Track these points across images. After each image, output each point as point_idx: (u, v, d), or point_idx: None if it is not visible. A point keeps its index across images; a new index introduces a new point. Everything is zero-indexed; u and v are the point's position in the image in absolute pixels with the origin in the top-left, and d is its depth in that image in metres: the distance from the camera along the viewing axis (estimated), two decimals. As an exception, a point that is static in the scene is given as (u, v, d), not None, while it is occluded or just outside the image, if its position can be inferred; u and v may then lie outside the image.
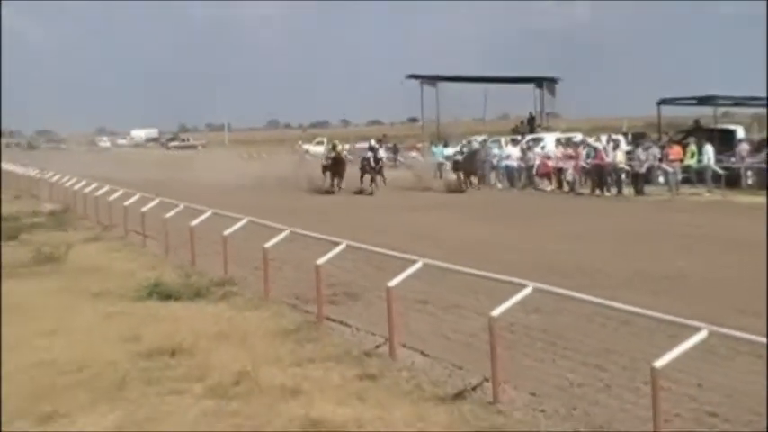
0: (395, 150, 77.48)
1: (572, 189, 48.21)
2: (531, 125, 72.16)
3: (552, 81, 75.94)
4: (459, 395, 11.94)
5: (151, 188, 35.14)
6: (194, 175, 56.63)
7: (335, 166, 51.90)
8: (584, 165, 48.74)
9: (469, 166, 51.84)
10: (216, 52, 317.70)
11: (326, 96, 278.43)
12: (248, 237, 21.11)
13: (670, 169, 45.40)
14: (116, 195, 34.46)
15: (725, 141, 51.63)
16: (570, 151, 50.32)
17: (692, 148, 48.26)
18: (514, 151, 55.59)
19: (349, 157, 58.59)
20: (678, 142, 50.19)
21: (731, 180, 45.13)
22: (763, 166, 44.96)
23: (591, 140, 52.20)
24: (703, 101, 60.87)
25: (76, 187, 42.16)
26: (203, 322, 16.65)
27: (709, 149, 48.55)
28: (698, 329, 9.42)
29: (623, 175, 46.71)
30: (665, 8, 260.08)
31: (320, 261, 17.01)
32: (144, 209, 29.35)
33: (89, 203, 37.77)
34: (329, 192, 50.70)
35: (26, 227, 33.28)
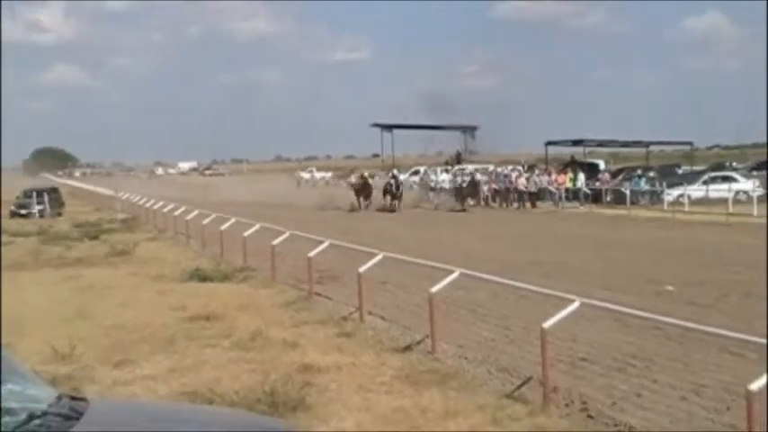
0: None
1: (487, 204, 48.36)
2: (458, 159, 72.52)
3: (473, 128, 76.35)
4: (408, 347, 11.94)
5: (191, 203, 35.04)
6: (223, 195, 56.47)
7: (364, 189, 48.81)
8: (496, 187, 49.03)
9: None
10: (237, 108, 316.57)
11: (316, 138, 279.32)
12: (261, 237, 21.08)
13: (554, 190, 45.69)
14: (168, 208, 34.43)
15: (591, 171, 52.10)
16: (485, 177, 50.64)
17: (570, 175, 48.72)
18: (446, 177, 55.93)
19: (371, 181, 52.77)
20: (561, 171, 50.63)
21: (596, 198, 45.52)
22: (618, 188, 45.39)
23: (500, 169, 52.72)
24: (577, 143, 61.44)
25: (140, 202, 42.08)
26: (230, 297, 16.60)
27: (581, 176, 49.03)
28: (573, 301, 9.47)
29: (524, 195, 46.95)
30: (557, 75, 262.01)
31: (311, 254, 17.02)
32: (188, 217, 29.37)
33: (149, 214, 37.74)
34: (355, 210, 46.80)
35: (105, 230, 33.19)
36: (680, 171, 55.66)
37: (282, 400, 8.90)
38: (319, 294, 16.52)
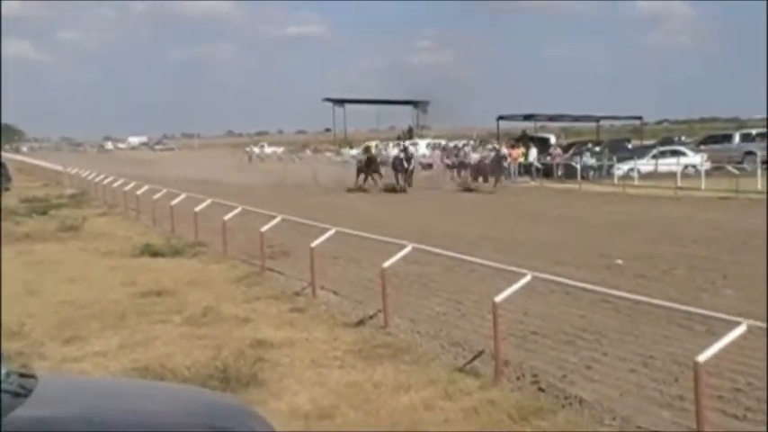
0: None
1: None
2: (410, 134, 72.60)
3: (425, 103, 76.53)
4: (361, 322, 11.96)
5: (142, 179, 34.70)
6: (173, 170, 55.93)
7: (369, 165, 41.96)
8: (448, 162, 49.00)
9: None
10: (188, 83, 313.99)
11: (267, 113, 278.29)
12: (212, 213, 20.96)
13: (505, 164, 45.85)
14: (118, 183, 34.13)
15: (543, 146, 52.40)
16: (438, 152, 50.58)
17: (523, 150, 48.92)
18: (398, 152, 55.75)
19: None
20: (513, 146, 50.79)
21: (547, 172, 45.81)
22: (569, 163, 45.67)
23: (452, 143, 52.66)
24: (528, 117, 61.74)
25: (90, 177, 41.63)
26: (181, 272, 16.50)
27: (533, 151, 49.28)
28: (524, 275, 9.53)
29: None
30: (510, 51, 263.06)
31: (263, 229, 16.94)
32: (138, 192, 29.13)
33: (99, 189, 37.37)
34: (363, 189, 40.69)
35: (53, 205, 32.76)
36: (630, 145, 56.19)
37: (235, 375, 8.88)
38: (272, 270, 16.45)
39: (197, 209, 21.54)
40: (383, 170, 42.21)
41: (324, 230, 14.94)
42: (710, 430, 6.72)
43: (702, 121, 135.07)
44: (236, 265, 17.27)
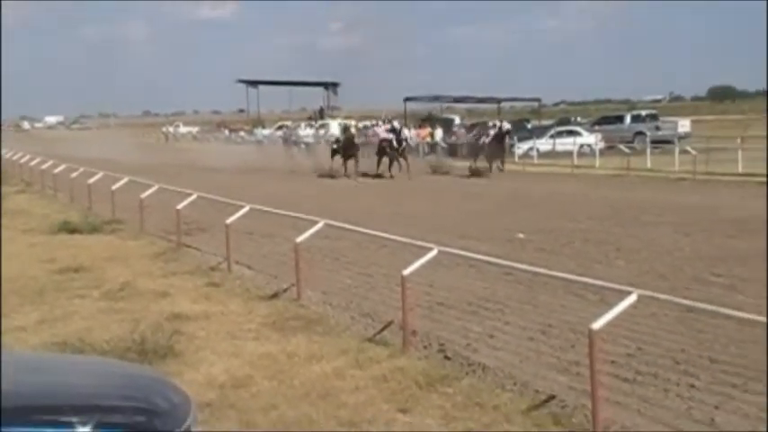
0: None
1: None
2: (321, 115, 72.42)
3: (335, 85, 76.45)
4: (275, 295, 11.92)
5: (59, 158, 33.97)
6: (91, 149, 54.77)
7: (348, 149, 35.68)
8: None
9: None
10: (104, 63, 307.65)
11: (183, 93, 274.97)
12: (130, 190, 20.64)
13: (413, 144, 45.87)
14: (35, 162, 33.42)
15: (448, 126, 52.80)
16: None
17: (430, 130, 49.21)
18: (310, 132, 55.68)
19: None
20: (420, 126, 51.09)
21: (452, 152, 46.13)
22: (473, 141, 46.08)
23: (362, 124, 52.78)
24: (434, 98, 62.04)
25: (6, 156, 40.66)
26: (99, 249, 16.24)
27: (439, 131, 49.59)
28: (431, 249, 9.59)
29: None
30: (417, 33, 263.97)
31: (179, 206, 16.77)
32: (55, 171, 28.55)
33: (16, 167, 36.53)
34: (345, 175, 35.20)
35: (-30, 184, 31.92)
36: (529, 126, 56.99)
37: (152, 348, 8.77)
38: (188, 246, 16.29)
39: (114, 187, 21.20)
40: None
41: (238, 208, 14.84)
42: (603, 393, 6.88)
43: (597, 102, 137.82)
44: (154, 242, 17.06)
